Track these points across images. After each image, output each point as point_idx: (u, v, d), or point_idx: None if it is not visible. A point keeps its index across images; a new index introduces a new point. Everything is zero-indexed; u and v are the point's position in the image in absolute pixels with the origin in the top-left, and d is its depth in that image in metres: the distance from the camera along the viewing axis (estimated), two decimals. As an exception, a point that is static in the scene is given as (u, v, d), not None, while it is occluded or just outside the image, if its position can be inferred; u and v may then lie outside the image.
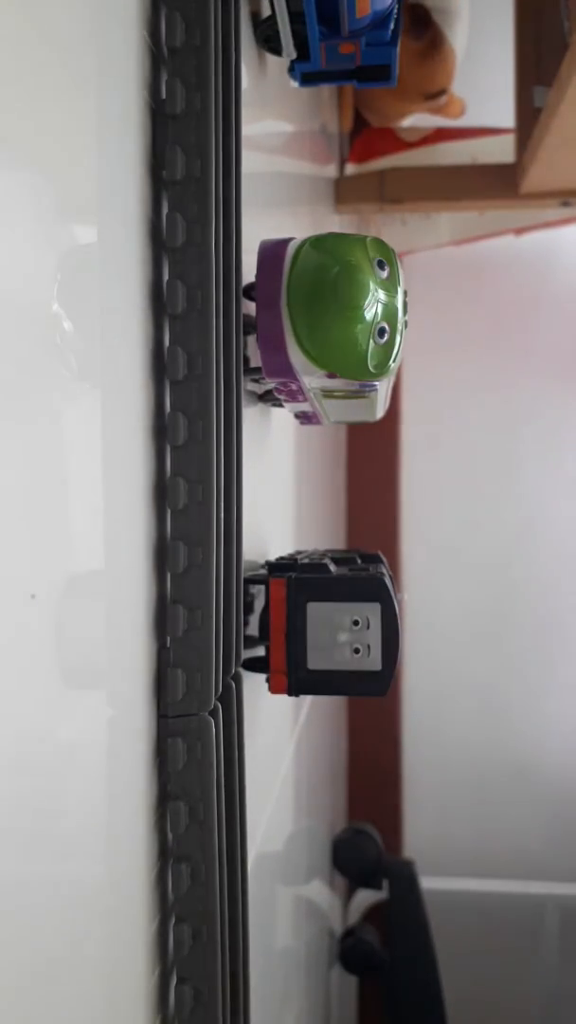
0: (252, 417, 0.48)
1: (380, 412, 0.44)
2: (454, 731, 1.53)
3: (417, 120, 1.15)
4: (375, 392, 0.38)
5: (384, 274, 0.31)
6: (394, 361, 0.32)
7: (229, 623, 0.34)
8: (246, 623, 0.40)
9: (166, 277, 0.30)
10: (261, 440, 0.52)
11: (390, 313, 0.31)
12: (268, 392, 0.46)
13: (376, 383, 0.32)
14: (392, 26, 0.44)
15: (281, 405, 0.48)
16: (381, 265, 0.31)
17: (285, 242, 0.31)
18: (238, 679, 0.35)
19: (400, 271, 0.32)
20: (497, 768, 1.52)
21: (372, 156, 1.12)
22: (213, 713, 0.31)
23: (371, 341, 0.31)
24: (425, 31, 0.95)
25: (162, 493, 0.31)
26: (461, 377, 1.50)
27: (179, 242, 0.30)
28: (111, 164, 0.26)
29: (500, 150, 1.03)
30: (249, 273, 0.37)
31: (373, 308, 0.31)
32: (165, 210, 0.30)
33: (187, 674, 0.31)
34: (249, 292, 0.35)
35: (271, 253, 0.31)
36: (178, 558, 0.30)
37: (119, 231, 0.27)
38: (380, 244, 0.32)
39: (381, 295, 0.31)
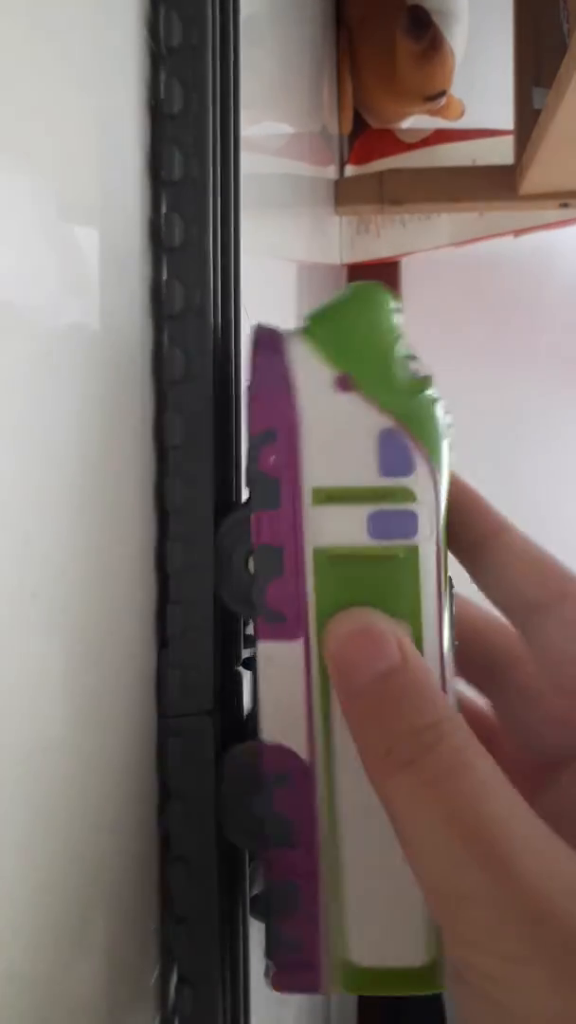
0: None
1: None
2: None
3: (416, 122, 1.16)
4: None
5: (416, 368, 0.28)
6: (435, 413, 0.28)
7: (228, 622, 0.34)
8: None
9: (164, 277, 0.30)
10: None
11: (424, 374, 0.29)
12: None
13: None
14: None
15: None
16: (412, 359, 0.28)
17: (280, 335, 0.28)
18: (238, 679, 0.35)
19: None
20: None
21: (372, 158, 1.12)
22: (212, 713, 0.31)
23: (398, 355, 0.27)
24: (424, 33, 0.95)
25: (161, 493, 0.31)
26: (459, 378, 1.50)
27: (177, 242, 0.30)
28: (111, 163, 0.26)
29: (499, 152, 1.03)
30: (249, 275, 0.37)
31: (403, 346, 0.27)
32: (164, 210, 0.30)
33: (186, 673, 0.31)
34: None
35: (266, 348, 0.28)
36: (177, 557, 0.30)
37: (119, 231, 0.27)
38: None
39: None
